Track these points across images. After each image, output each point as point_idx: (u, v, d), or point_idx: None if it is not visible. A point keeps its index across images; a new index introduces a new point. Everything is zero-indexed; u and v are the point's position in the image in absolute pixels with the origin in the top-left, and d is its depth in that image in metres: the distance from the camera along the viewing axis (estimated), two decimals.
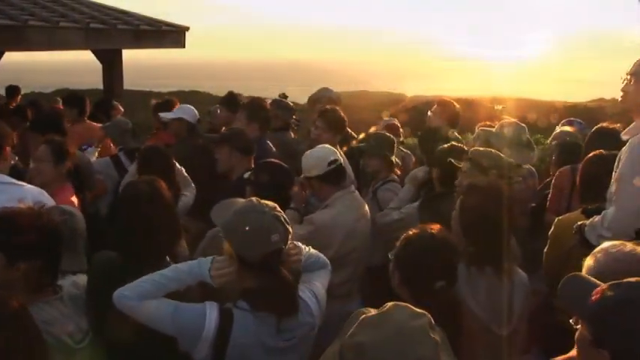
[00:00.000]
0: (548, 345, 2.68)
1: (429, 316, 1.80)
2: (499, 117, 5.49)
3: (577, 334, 1.79)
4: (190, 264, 2.49)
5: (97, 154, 6.11)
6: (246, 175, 3.71)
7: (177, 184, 4.17)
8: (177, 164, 4.32)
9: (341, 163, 3.82)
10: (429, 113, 5.77)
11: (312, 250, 2.76)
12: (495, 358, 2.72)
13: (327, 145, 4.03)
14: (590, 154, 3.65)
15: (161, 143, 5.30)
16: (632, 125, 3.20)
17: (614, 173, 3.12)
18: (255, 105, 5.31)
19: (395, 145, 4.60)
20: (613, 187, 3.08)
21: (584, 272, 2.27)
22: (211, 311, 2.39)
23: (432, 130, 5.14)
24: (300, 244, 2.69)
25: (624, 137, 3.19)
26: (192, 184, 4.46)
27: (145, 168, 3.93)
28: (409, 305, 1.83)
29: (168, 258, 2.83)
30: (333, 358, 1.97)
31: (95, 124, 6.73)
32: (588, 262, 2.29)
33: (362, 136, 5.32)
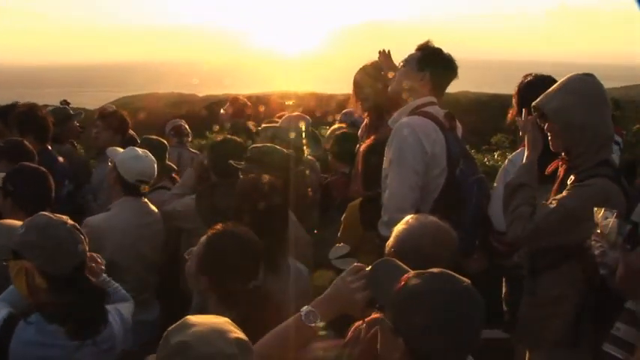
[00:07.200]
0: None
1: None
2: (287, 112, 5.75)
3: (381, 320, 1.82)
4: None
5: None
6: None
7: None
8: None
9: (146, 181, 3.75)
10: (222, 111, 6.10)
11: (113, 282, 2.81)
12: None
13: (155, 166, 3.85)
14: (364, 146, 3.75)
15: None
16: (395, 113, 3.37)
17: (385, 160, 3.24)
18: (25, 117, 4.87)
19: (166, 150, 4.56)
20: (384, 174, 3.23)
21: (390, 245, 2.39)
22: None
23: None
24: (99, 257, 2.72)
25: (390, 125, 3.33)
26: None
27: None
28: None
29: None
30: None
31: None
32: (393, 236, 2.42)
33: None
